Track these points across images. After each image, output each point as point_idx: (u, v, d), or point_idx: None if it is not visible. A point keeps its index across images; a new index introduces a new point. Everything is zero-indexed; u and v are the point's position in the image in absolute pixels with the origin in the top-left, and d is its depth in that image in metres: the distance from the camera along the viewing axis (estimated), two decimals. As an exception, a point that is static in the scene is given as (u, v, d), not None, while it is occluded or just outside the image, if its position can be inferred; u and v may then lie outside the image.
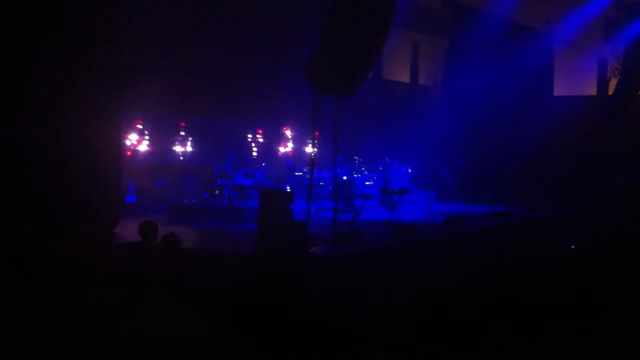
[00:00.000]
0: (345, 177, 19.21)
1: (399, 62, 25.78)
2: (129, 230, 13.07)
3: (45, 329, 7.53)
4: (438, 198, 21.36)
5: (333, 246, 12.82)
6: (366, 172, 20.38)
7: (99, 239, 12.02)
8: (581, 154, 23.30)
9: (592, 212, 19.42)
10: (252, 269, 11.59)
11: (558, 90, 26.73)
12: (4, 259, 9.64)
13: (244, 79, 20.10)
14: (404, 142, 22.49)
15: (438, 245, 14.27)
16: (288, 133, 22.92)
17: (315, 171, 15.53)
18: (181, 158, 19.66)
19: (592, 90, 26.37)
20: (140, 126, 18.56)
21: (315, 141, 15.71)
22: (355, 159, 20.30)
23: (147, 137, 18.78)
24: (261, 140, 22.01)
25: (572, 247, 13.50)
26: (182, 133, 19.57)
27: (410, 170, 21.19)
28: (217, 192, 17.92)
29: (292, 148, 22.97)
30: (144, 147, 18.70)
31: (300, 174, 19.82)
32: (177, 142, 19.52)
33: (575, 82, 26.43)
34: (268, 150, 22.14)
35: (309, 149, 21.66)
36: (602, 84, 25.78)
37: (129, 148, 18.17)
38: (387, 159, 20.39)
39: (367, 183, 19.52)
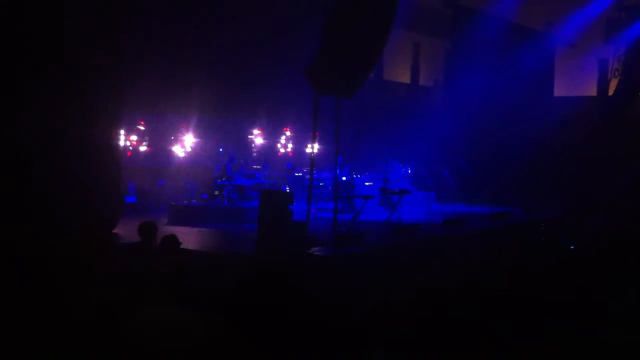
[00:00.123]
0: (344, 178, 19.21)
1: (399, 63, 25.81)
2: (129, 231, 13.08)
3: (45, 329, 7.53)
4: (438, 198, 21.37)
5: (333, 247, 12.82)
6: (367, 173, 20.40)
7: (99, 239, 12.04)
8: (581, 154, 23.32)
9: (592, 212, 19.44)
10: (252, 269, 11.59)
11: (558, 91, 26.76)
12: (4, 259, 9.63)
13: (244, 79, 20.08)
14: (404, 143, 22.48)
15: (438, 245, 14.26)
16: (288, 133, 22.91)
17: (315, 172, 15.53)
18: (182, 155, 19.63)
19: (593, 91, 26.40)
20: (140, 126, 18.54)
21: (316, 142, 15.69)
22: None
23: (147, 137, 18.76)
24: (261, 140, 22.00)
25: (572, 247, 13.50)
26: (182, 133, 19.55)
27: (410, 171, 21.18)
28: (216, 192, 17.92)
29: (292, 148, 22.96)
30: (144, 147, 18.69)
31: (300, 174, 19.82)
32: (177, 143, 19.50)
33: (576, 82, 26.47)
34: (268, 150, 22.13)
35: (308, 150, 21.65)
36: (603, 84, 25.81)
37: (129, 148, 18.15)
38: (387, 160, 20.38)
39: (366, 184, 19.52)
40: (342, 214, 16.31)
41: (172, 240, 9.59)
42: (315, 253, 12.47)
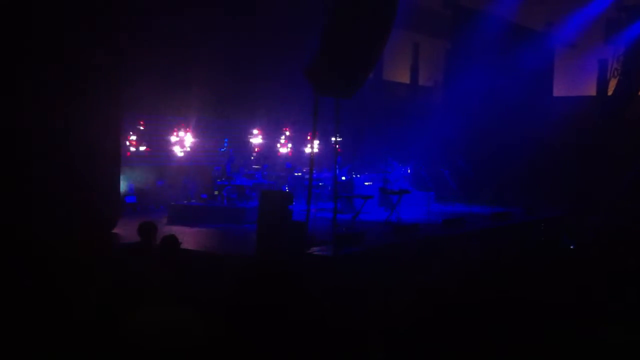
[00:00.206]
0: (344, 178, 19.21)
1: (399, 63, 25.81)
2: (128, 231, 13.08)
3: (45, 329, 7.52)
4: (438, 198, 21.38)
5: (333, 247, 12.83)
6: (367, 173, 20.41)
7: (98, 239, 12.04)
8: (581, 154, 23.32)
9: (592, 212, 19.43)
10: (251, 269, 11.59)
11: (558, 91, 26.76)
12: (4, 259, 9.63)
13: (244, 79, 20.10)
14: (403, 143, 22.49)
15: (438, 245, 14.27)
16: (288, 133, 22.90)
17: (314, 172, 15.53)
18: (181, 155, 19.63)
19: (592, 91, 26.39)
20: (140, 126, 18.54)
21: (315, 141, 15.69)
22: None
23: (146, 137, 18.75)
24: (261, 140, 21.99)
25: (572, 247, 13.50)
26: (182, 133, 19.54)
27: (409, 171, 21.19)
28: (216, 192, 17.93)
29: (291, 148, 22.95)
30: (143, 147, 18.68)
31: (300, 174, 19.82)
32: (176, 143, 19.49)
33: (575, 82, 26.47)
34: (268, 150, 22.13)
35: (308, 150, 21.65)
36: (602, 84, 25.79)
37: (128, 148, 18.15)
38: (386, 160, 20.38)
39: (366, 183, 19.52)
40: (342, 214, 16.31)
41: (172, 240, 9.59)
42: (315, 253, 12.48)
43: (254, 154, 21.56)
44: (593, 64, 26.16)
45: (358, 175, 19.83)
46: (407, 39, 24.90)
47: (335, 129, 14.56)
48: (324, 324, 7.96)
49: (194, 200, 18.22)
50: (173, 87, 18.09)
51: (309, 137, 21.43)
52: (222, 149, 19.79)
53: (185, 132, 19.60)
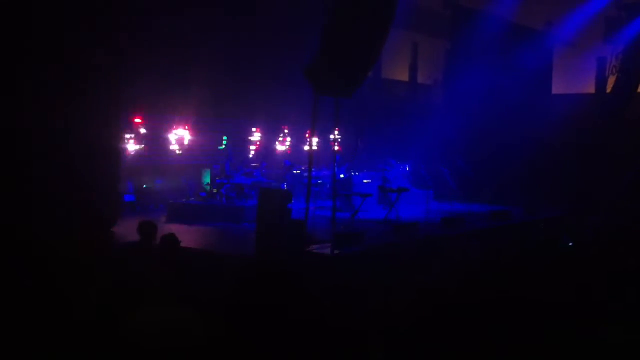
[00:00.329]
0: (343, 176, 19.22)
1: (398, 63, 25.81)
2: (128, 230, 13.09)
3: (45, 329, 7.53)
4: (437, 198, 21.38)
5: (332, 245, 12.84)
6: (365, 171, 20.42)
7: (98, 239, 12.05)
8: (581, 154, 23.30)
9: (592, 212, 19.42)
10: (251, 268, 11.60)
11: (556, 89, 26.76)
12: (4, 259, 9.64)
13: (244, 79, 20.09)
14: (403, 141, 22.50)
15: (438, 244, 14.27)
16: (287, 132, 22.91)
17: (313, 170, 15.54)
18: (180, 154, 19.63)
19: (591, 89, 26.38)
20: (139, 125, 18.53)
21: (314, 140, 15.71)
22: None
23: (146, 136, 18.74)
24: (260, 139, 22.00)
25: (572, 246, 13.51)
26: (181, 132, 19.54)
27: (408, 169, 21.20)
28: (214, 191, 17.94)
29: (290, 146, 22.96)
30: (142, 146, 18.67)
31: (299, 172, 19.83)
32: (175, 142, 19.49)
33: (574, 80, 26.48)
34: (267, 149, 22.13)
35: (307, 148, 21.65)
36: (601, 82, 25.79)
37: (127, 147, 18.14)
38: (385, 158, 20.39)
39: (365, 182, 19.54)
40: (341, 212, 16.33)
41: (172, 239, 9.60)
42: (314, 252, 12.49)
43: (253, 153, 21.58)
44: (592, 62, 26.17)
45: (357, 174, 19.85)
46: (406, 38, 24.89)
47: (334, 127, 14.59)
48: (323, 323, 7.96)
49: (193, 199, 18.22)
50: (172, 87, 18.08)
51: (307, 136, 21.43)
52: (221, 148, 19.79)
53: (185, 131, 19.59)
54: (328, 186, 18.92)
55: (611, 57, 25.39)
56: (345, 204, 17.94)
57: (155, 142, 19.05)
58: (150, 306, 7.75)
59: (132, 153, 18.27)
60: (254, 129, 21.77)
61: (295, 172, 19.93)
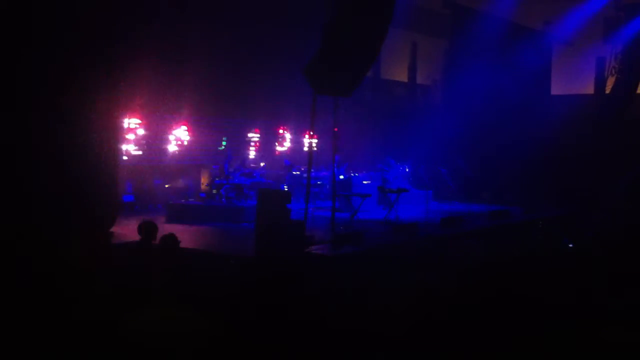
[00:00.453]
0: (342, 176, 19.23)
1: (397, 62, 25.81)
2: (127, 230, 13.08)
3: (45, 329, 7.52)
4: (437, 198, 21.40)
5: (332, 246, 12.84)
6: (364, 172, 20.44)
7: (98, 239, 12.02)
8: (580, 153, 23.29)
9: (592, 212, 19.42)
10: (250, 269, 11.60)
11: (555, 89, 26.76)
12: (4, 259, 9.62)
13: (244, 79, 20.10)
14: (402, 141, 22.52)
15: (437, 244, 14.28)
16: (286, 132, 22.91)
17: (313, 170, 15.54)
18: (179, 154, 19.62)
19: (590, 89, 26.37)
20: (138, 125, 18.52)
21: (314, 140, 15.72)
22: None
23: (144, 136, 18.73)
24: (259, 139, 22.00)
25: (572, 246, 13.52)
26: (180, 132, 19.53)
27: (407, 169, 21.21)
28: (214, 191, 17.93)
29: (289, 147, 22.96)
30: (141, 146, 18.67)
31: (298, 173, 19.84)
32: (174, 142, 19.48)
33: (573, 81, 26.47)
34: (266, 149, 22.14)
35: (306, 148, 21.66)
36: (600, 82, 25.80)
37: (126, 147, 18.12)
38: (384, 158, 20.40)
39: (364, 182, 19.55)
40: (340, 213, 16.34)
41: (172, 239, 9.60)
42: (314, 252, 12.48)
43: (253, 153, 21.58)
44: (591, 62, 26.17)
45: (356, 174, 19.86)
46: (405, 38, 24.89)
47: (334, 127, 14.59)
48: (323, 322, 7.97)
49: (192, 200, 18.22)
50: (171, 87, 18.08)
51: (307, 136, 21.44)
52: (221, 148, 19.79)
53: (184, 131, 19.58)
54: (327, 187, 18.93)
55: (610, 58, 25.42)
56: (345, 204, 17.96)
57: (154, 142, 19.04)
58: (150, 306, 7.76)
59: (131, 153, 18.26)
60: (253, 130, 21.76)
61: (294, 172, 19.94)
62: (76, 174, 12.73)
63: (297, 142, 22.98)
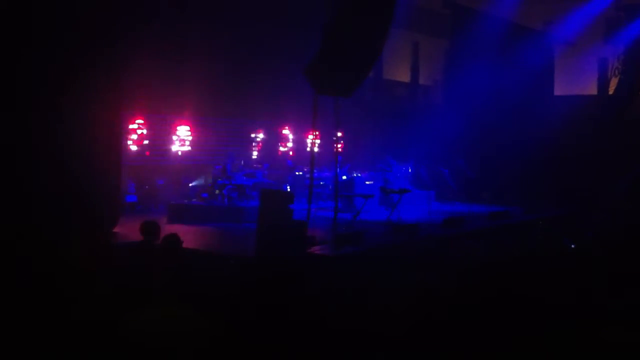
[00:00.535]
0: (344, 177, 19.22)
1: (399, 62, 25.82)
2: (129, 230, 13.08)
3: (45, 329, 7.52)
4: (438, 198, 21.39)
5: (333, 246, 12.84)
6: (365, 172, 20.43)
7: (98, 239, 12.03)
8: (581, 154, 23.25)
9: (592, 212, 19.39)
10: (252, 269, 11.60)
11: (558, 90, 26.71)
12: (4, 259, 9.63)
13: (245, 79, 20.11)
14: (403, 142, 22.51)
15: (438, 244, 14.27)
16: (288, 132, 22.92)
17: (315, 171, 15.54)
18: (181, 154, 19.63)
19: (593, 90, 26.34)
20: (140, 126, 18.53)
21: (316, 141, 15.71)
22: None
23: (147, 137, 18.75)
24: (261, 139, 22.01)
25: (572, 247, 13.49)
26: (182, 132, 19.54)
27: (410, 170, 21.21)
28: (217, 191, 17.93)
29: (292, 147, 22.96)
30: (144, 146, 18.68)
31: (301, 173, 19.83)
32: (177, 142, 19.50)
33: (576, 81, 26.41)
34: (268, 149, 22.14)
35: (309, 149, 21.66)
36: (603, 83, 25.76)
37: (129, 147, 18.14)
38: (386, 159, 20.40)
39: (366, 183, 19.54)
40: (342, 213, 16.33)
41: (174, 239, 9.59)
42: (315, 252, 12.48)
43: (255, 154, 21.59)
44: (593, 63, 26.13)
45: (359, 175, 19.85)
46: (407, 38, 24.91)
47: (336, 127, 14.59)
48: (324, 323, 7.96)
49: (194, 200, 18.23)
50: (173, 87, 18.10)
51: (309, 136, 21.44)
52: (223, 148, 19.80)
53: (186, 131, 19.60)
54: (330, 187, 18.93)
55: (612, 58, 25.39)
56: (347, 205, 17.94)
57: (156, 142, 19.05)
58: (151, 306, 7.75)
59: (133, 152, 18.27)
60: (256, 130, 21.77)
61: (297, 173, 19.94)
62: (76, 174, 12.76)
63: (299, 142, 22.98)
